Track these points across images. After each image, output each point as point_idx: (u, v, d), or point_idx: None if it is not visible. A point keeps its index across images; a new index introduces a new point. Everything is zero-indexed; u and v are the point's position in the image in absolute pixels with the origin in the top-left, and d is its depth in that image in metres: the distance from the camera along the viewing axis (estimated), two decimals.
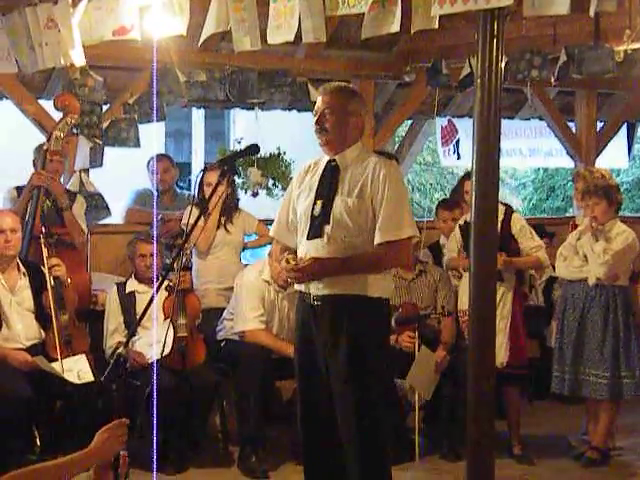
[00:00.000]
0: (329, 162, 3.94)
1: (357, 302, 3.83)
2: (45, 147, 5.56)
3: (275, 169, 6.61)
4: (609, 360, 5.31)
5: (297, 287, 4.02)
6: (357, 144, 3.94)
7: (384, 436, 3.92)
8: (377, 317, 3.90)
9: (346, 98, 3.94)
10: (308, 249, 3.89)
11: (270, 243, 6.39)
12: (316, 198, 3.89)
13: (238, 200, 6.18)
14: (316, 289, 3.87)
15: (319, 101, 3.95)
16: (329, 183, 3.89)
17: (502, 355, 5.42)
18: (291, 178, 6.73)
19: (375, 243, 3.82)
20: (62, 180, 5.98)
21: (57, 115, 5.90)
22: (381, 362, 3.94)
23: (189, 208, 5.34)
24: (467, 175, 6.58)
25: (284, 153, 6.71)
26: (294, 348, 4.14)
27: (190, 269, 5.60)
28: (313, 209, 3.88)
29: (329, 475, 4.03)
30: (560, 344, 5.49)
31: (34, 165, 5.79)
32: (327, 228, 3.84)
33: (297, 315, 4.07)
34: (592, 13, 3.75)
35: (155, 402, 3.75)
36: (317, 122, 3.91)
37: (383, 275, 3.91)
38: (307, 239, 3.89)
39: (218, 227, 5.87)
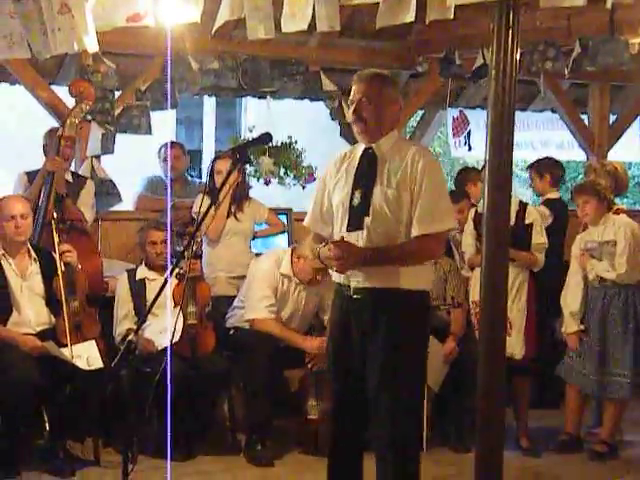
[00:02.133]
0: (366, 150, 3.84)
1: (397, 295, 3.74)
2: (59, 133, 5.56)
3: (287, 158, 6.60)
4: (630, 358, 5.30)
5: (336, 279, 3.91)
6: (393, 132, 3.84)
7: (419, 429, 3.89)
8: (417, 310, 3.81)
9: (383, 85, 3.82)
10: (352, 240, 3.78)
11: (280, 233, 6.41)
12: (354, 188, 3.80)
13: (249, 188, 6.18)
14: (356, 282, 3.78)
15: (354, 89, 3.83)
16: (367, 172, 3.79)
17: (520, 349, 5.42)
18: (303, 167, 6.74)
19: (412, 235, 3.73)
20: (73, 166, 6.00)
21: (69, 101, 5.91)
22: (420, 355, 3.84)
23: (200, 196, 5.33)
24: (464, 170, 6.62)
25: (296, 142, 6.70)
26: (328, 337, 4.05)
27: (200, 257, 5.60)
28: (352, 199, 3.79)
29: (355, 469, 3.96)
30: (582, 344, 5.46)
31: (44, 150, 5.79)
32: (367, 220, 3.75)
33: (334, 308, 3.98)
34: (609, 5, 3.74)
35: (166, 389, 3.74)
36: (354, 111, 3.80)
37: (423, 267, 3.81)
38: (347, 231, 3.79)
39: (228, 216, 5.86)
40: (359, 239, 3.75)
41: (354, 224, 3.78)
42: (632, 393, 5.35)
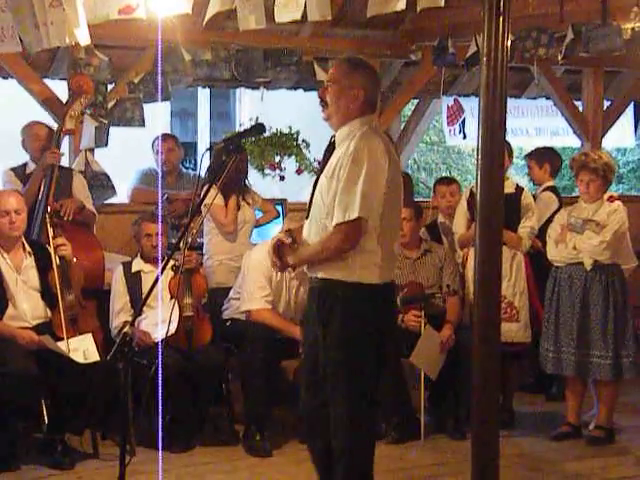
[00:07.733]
0: (331, 138, 3.80)
1: (338, 287, 3.65)
2: (59, 126, 5.57)
3: (255, 147, 6.66)
4: (612, 340, 5.30)
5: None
6: (359, 119, 3.69)
7: (366, 431, 3.80)
8: (360, 305, 3.65)
9: (348, 69, 3.72)
10: (305, 230, 3.84)
11: (275, 218, 6.39)
12: (317, 176, 3.83)
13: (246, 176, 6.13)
14: (308, 270, 3.81)
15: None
16: (323, 161, 3.79)
17: (527, 334, 5.43)
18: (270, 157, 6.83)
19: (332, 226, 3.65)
20: (66, 159, 6.00)
21: (63, 94, 5.91)
22: (361, 356, 3.69)
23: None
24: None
25: (298, 132, 6.74)
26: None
27: (196, 249, 5.59)
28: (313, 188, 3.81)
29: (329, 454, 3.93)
30: (555, 325, 5.42)
31: (23, 145, 5.77)
32: (312, 209, 3.77)
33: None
34: None
35: (161, 381, 3.75)
36: (319, 95, 3.79)
37: (369, 258, 3.64)
38: (306, 218, 3.83)
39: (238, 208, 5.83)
40: (307, 228, 3.79)
41: (307, 213, 3.81)
42: (613, 375, 5.31)
